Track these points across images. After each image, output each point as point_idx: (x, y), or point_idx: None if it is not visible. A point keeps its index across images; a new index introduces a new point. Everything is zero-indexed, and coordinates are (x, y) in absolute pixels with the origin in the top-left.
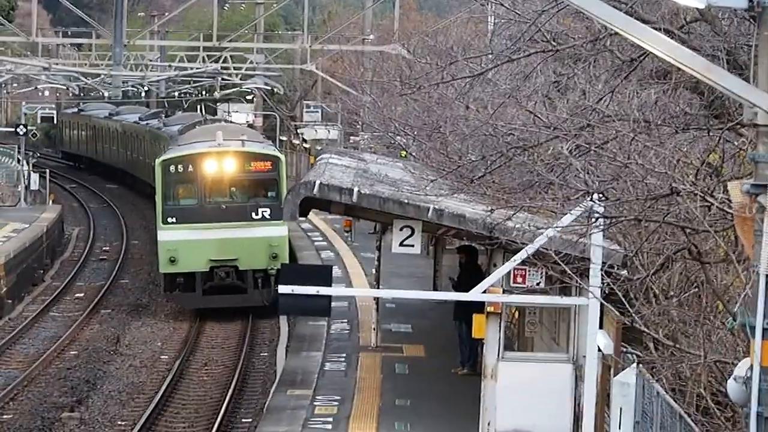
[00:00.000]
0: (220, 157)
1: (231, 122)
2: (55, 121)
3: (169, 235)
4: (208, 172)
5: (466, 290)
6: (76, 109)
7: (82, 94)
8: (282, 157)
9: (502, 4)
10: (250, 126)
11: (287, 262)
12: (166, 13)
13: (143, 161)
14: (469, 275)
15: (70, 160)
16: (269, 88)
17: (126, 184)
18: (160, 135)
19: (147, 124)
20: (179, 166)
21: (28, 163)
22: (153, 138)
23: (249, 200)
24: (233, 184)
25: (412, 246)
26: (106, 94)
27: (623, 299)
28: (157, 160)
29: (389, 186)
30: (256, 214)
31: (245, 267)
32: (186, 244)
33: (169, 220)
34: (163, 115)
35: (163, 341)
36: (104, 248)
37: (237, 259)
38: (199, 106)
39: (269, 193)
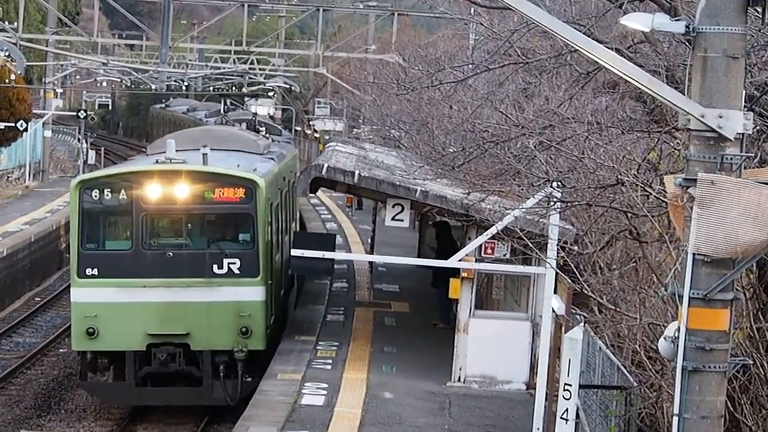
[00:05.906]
0: (166, 180)
1: (256, 115)
2: (110, 108)
3: (87, 294)
4: (148, 202)
5: (444, 258)
6: (163, 105)
7: (133, 86)
8: (261, 181)
9: (482, 24)
10: (271, 118)
11: (263, 342)
12: (204, 22)
13: None
14: (444, 245)
15: None
16: (288, 86)
17: None
18: None
19: (207, 121)
20: (105, 192)
21: (86, 142)
22: None
23: (209, 245)
24: (187, 221)
25: (402, 220)
26: (153, 87)
27: (574, 270)
28: (73, 181)
29: (384, 170)
30: (220, 267)
31: (200, 347)
32: (112, 309)
33: (89, 272)
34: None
35: None
36: None
37: (188, 335)
38: (227, 101)
39: (240, 236)
